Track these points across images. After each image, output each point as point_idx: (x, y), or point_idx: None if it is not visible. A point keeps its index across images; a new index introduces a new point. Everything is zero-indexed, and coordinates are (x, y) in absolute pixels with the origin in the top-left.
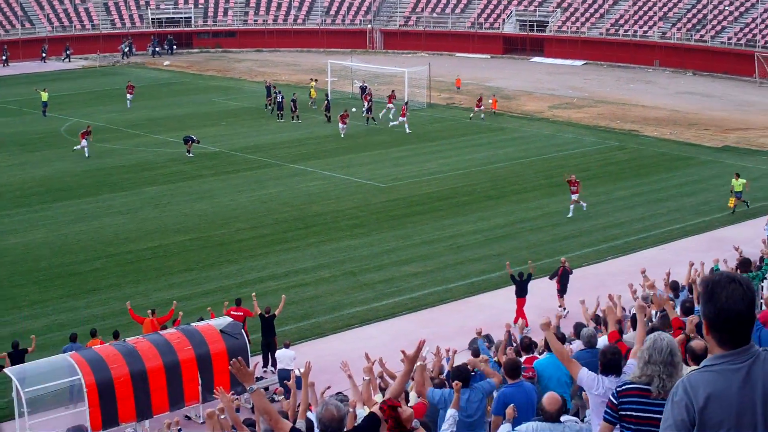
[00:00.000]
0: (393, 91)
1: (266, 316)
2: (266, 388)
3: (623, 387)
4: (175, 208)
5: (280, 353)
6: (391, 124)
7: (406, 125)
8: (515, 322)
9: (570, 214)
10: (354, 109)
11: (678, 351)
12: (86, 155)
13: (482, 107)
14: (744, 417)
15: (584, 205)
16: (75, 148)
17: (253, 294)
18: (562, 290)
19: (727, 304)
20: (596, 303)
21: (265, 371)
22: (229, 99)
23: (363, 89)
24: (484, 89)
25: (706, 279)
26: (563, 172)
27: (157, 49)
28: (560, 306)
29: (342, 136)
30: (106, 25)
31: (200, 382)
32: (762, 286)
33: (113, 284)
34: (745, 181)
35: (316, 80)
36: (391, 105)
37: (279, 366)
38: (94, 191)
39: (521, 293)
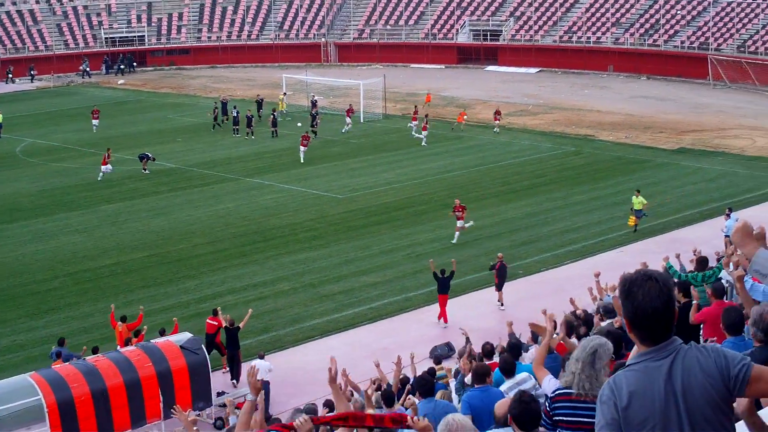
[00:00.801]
0: (351, 105)
1: (230, 328)
2: (224, 404)
3: (554, 393)
4: (132, 225)
5: (256, 363)
6: (416, 136)
7: (424, 138)
8: (438, 318)
9: (454, 241)
10: (299, 124)
11: (605, 356)
12: (99, 178)
13: (464, 120)
14: (669, 412)
15: (470, 223)
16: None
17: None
18: (499, 285)
19: (644, 302)
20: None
21: (234, 384)
22: (184, 115)
23: (314, 103)
24: (440, 99)
25: (623, 278)
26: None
27: (121, 66)
28: (498, 300)
29: (302, 161)
30: (60, 45)
31: (161, 398)
32: (725, 285)
33: (72, 303)
34: (645, 201)
35: (285, 93)
36: (349, 119)
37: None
38: (50, 211)
39: (443, 290)
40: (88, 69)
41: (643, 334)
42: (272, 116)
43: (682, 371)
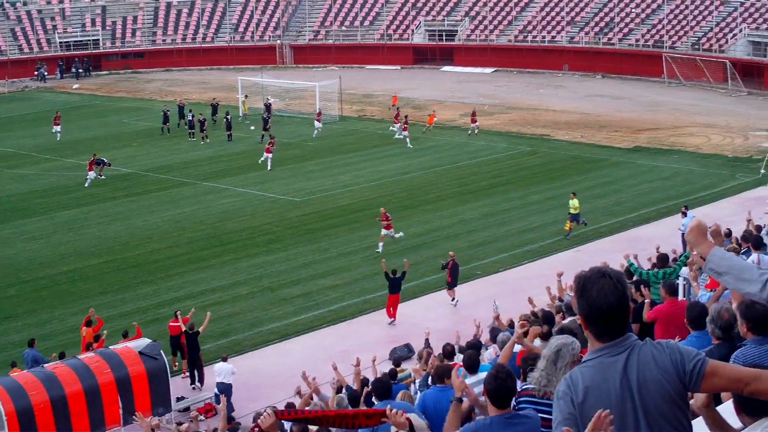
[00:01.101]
0: (320, 109)
1: (190, 332)
2: (188, 408)
3: (521, 388)
4: (89, 231)
5: (219, 367)
6: (398, 137)
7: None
8: (389, 315)
9: (379, 250)
10: (252, 127)
11: (567, 356)
12: (86, 185)
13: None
14: (625, 407)
15: (400, 234)
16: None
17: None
18: (452, 283)
19: (598, 299)
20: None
21: (194, 388)
22: (140, 120)
23: (267, 106)
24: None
25: (578, 276)
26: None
27: (80, 70)
28: (451, 298)
29: (269, 168)
30: (14, 50)
31: (121, 404)
32: (677, 283)
33: (29, 310)
34: (577, 204)
35: (247, 96)
36: (319, 123)
37: (218, 379)
38: (5, 218)
39: (394, 290)
40: (45, 73)
41: (599, 331)
42: (226, 120)
43: (637, 366)
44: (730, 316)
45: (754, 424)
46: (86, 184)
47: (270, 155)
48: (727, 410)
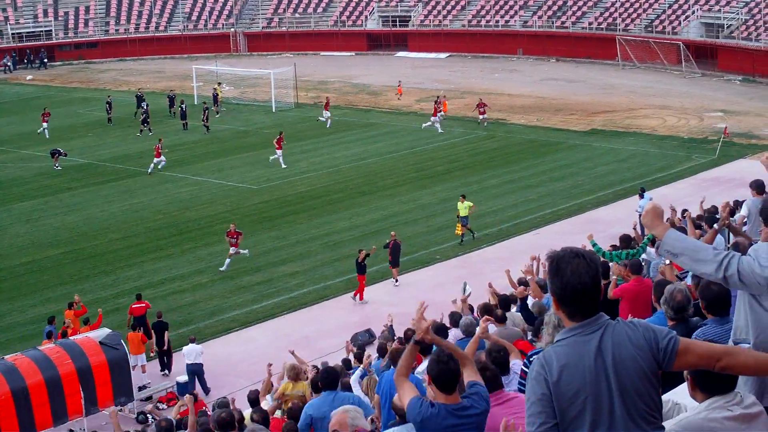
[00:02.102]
0: (327, 98)
1: (160, 321)
2: (150, 397)
3: (532, 355)
4: (46, 222)
5: (188, 348)
6: (424, 125)
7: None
8: (354, 295)
9: (223, 268)
10: (218, 115)
11: None
12: (149, 171)
13: (485, 114)
14: (599, 385)
15: (246, 251)
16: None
17: None
18: (393, 262)
19: (572, 278)
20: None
21: (164, 374)
22: (94, 110)
23: (214, 96)
24: (351, 86)
25: (550, 255)
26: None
27: (45, 60)
28: (394, 278)
29: (283, 166)
30: None
31: (83, 395)
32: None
33: None
34: (471, 204)
35: (220, 83)
36: (327, 113)
37: (188, 361)
38: None
39: (361, 271)
40: (10, 64)
41: (572, 310)
42: (181, 108)
43: (612, 344)
44: (683, 297)
45: (704, 402)
46: (149, 171)
47: (281, 151)
48: (683, 391)
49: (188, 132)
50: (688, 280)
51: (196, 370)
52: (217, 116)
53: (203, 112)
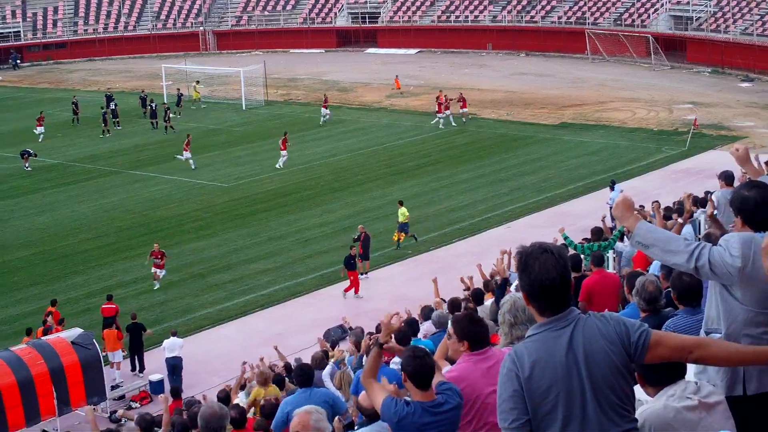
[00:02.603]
0: (326, 95)
1: (134, 323)
2: (123, 396)
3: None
4: (16, 223)
5: (169, 342)
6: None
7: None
8: (347, 291)
9: (157, 287)
10: (173, 114)
11: (519, 311)
12: (192, 167)
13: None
14: (571, 380)
15: (163, 273)
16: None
17: None
18: (364, 255)
19: (540, 274)
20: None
21: (134, 375)
22: (64, 110)
23: (179, 96)
24: (321, 83)
25: (519, 252)
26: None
27: (18, 61)
28: (363, 272)
29: (280, 166)
30: None
31: (55, 395)
32: (607, 256)
33: None
34: (406, 212)
35: (198, 82)
36: (326, 110)
37: (169, 354)
38: None
39: (352, 267)
40: (18, 61)
41: (542, 306)
42: (151, 108)
43: (583, 339)
44: (655, 289)
45: (659, 393)
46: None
47: (285, 152)
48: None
49: (158, 131)
50: (655, 270)
51: (175, 364)
52: (179, 117)
53: (165, 113)
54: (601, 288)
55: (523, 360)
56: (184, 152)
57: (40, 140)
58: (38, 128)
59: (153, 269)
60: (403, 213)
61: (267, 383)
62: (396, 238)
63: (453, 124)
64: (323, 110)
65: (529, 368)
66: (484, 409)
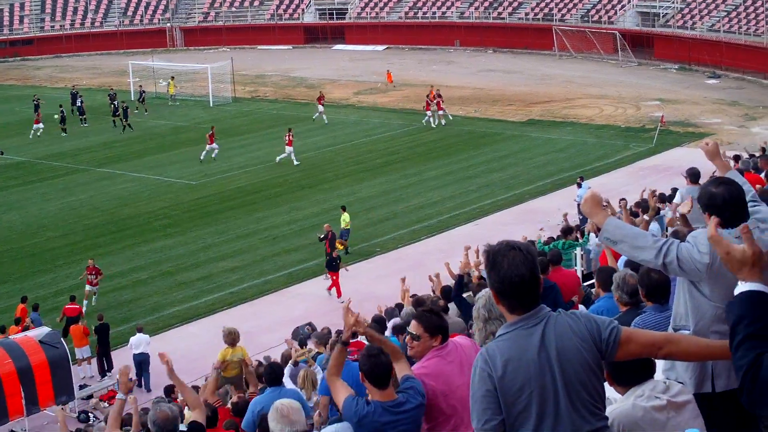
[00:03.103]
0: (321, 92)
1: (102, 323)
2: (91, 396)
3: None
4: None
5: (135, 339)
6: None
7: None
8: (329, 289)
9: (93, 304)
10: (136, 110)
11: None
12: (295, 162)
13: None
14: (544, 378)
15: (95, 294)
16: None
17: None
18: (330, 253)
19: (509, 271)
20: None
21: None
22: (31, 107)
23: (141, 93)
24: (289, 80)
25: (487, 250)
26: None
27: None
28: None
29: (295, 162)
30: None
31: (23, 395)
32: (575, 254)
33: None
34: (348, 219)
35: (173, 78)
36: (321, 107)
37: (136, 351)
38: None
39: (333, 268)
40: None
41: (513, 303)
42: (113, 105)
43: (555, 337)
44: (636, 281)
45: (628, 392)
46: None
47: (291, 148)
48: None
49: (120, 129)
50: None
51: (143, 360)
52: (146, 114)
53: (124, 111)
54: (560, 286)
55: (496, 359)
56: (207, 145)
57: (38, 135)
58: (36, 125)
59: (87, 287)
60: (344, 219)
61: (235, 343)
62: (341, 246)
63: (433, 124)
64: (319, 107)
65: (501, 367)
66: (463, 403)
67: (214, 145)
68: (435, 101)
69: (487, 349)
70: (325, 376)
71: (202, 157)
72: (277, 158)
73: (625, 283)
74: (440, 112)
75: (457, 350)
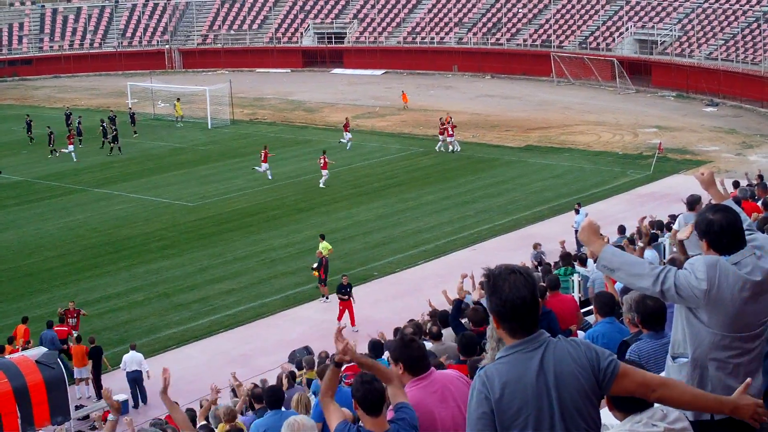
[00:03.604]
0: (347, 118)
1: (94, 346)
2: (87, 416)
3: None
4: None
5: (129, 356)
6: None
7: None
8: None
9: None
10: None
11: None
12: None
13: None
14: (541, 402)
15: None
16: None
17: None
18: (324, 280)
19: (511, 294)
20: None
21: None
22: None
23: (132, 116)
24: (287, 103)
25: (487, 274)
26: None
27: None
28: (324, 295)
29: (322, 185)
30: None
31: (19, 415)
32: (572, 280)
33: None
34: (329, 247)
35: (179, 99)
36: (348, 134)
37: (129, 369)
38: None
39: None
40: None
41: (513, 326)
42: (101, 128)
43: (554, 362)
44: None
45: (625, 420)
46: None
47: (326, 171)
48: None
49: (125, 149)
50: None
51: (136, 378)
52: (135, 135)
53: (114, 134)
54: (558, 311)
55: (494, 381)
56: (262, 164)
57: (74, 159)
58: (69, 147)
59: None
60: (325, 247)
61: (233, 420)
62: (316, 274)
63: (445, 149)
64: (346, 134)
65: (499, 390)
66: None
67: (266, 165)
68: (444, 127)
69: (485, 371)
70: (319, 398)
71: (266, 174)
72: (257, 168)
73: (643, 305)
74: (449, 139)
75: (440, 380)
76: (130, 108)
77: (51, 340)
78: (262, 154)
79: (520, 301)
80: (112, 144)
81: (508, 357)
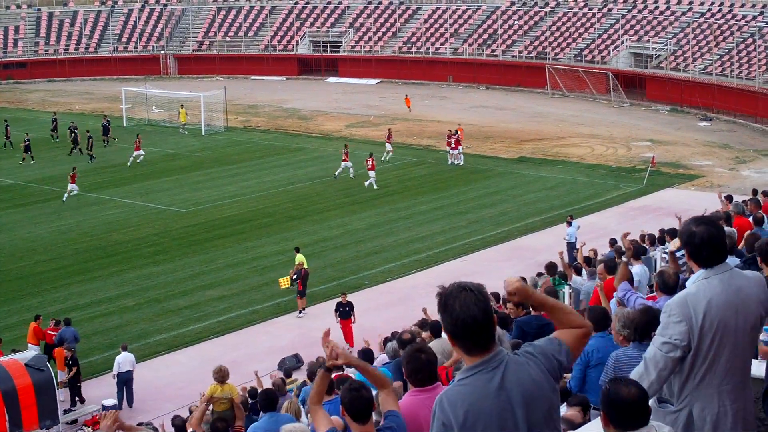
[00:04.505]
0: (390, 130)
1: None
2: (75, 420)
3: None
4: None
5: (121, 357)
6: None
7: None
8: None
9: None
10: (115, 139)
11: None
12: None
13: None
14: (506, 422)
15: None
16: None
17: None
18: (303, 292)
19: (461, 313)
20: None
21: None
22: (21, 131)
23: (105, 126)
24: (281, 111)
25: (438, 293)
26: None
27: None
28: (301, 308)
29: (375, 187)
30: None
31: (7, 418)
32: (563, 291)
33: None
34: (303, 259)
35: (183, 105)
36: (390, 146)
37: (120, 370)
38: None
39: (344, 315)
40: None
41: (467, 345)
42: (74, 133)
43: (516, 380)
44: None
45: None
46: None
47: (373, 172)
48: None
49: (117, 153)
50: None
51: (127, 379)
52: (106, 146)
53: (88, 141)
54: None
55: (456, 406)
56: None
57: (139, 160)
58: (136, 152)
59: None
60: (300, 260)
61: (224, 380)
62: (285, 285)
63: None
64: (387, 145)
65: (462, 415)
66: None
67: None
68: (452, 138)
69: (446, 396)
70: (308, 403)
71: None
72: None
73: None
74: (453, 152)
75: None
76: (105, 116)
77: (74, 335)
78: (343, 153)
79: (471, 320)
80: (89, 152)
81: (468, 379)
